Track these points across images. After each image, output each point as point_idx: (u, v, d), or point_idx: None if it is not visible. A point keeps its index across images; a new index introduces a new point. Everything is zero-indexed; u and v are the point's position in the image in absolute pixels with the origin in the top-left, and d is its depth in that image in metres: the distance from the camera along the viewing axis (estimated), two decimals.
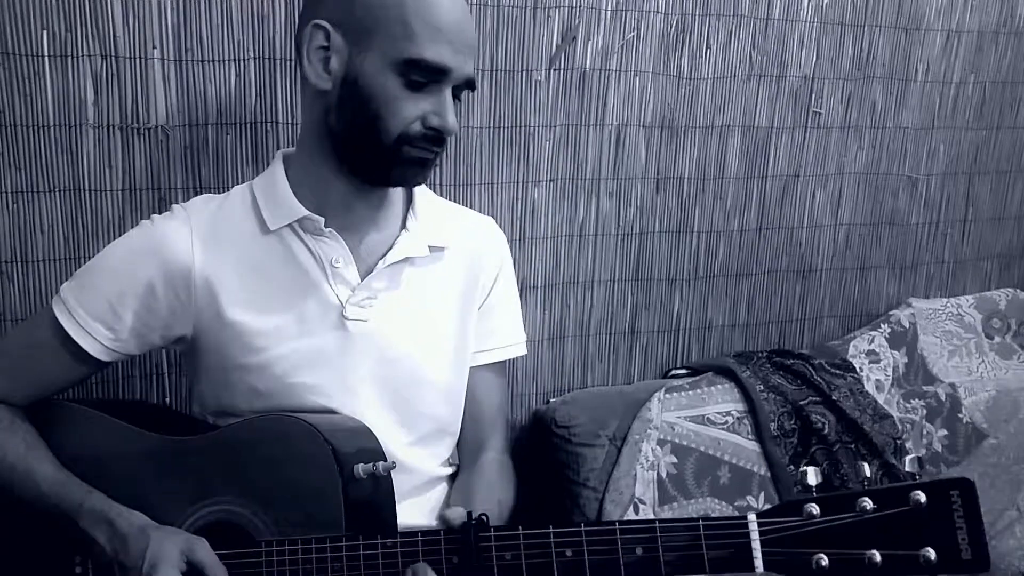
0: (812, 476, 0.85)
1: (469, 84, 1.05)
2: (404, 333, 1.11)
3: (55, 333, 1.06)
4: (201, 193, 1.32)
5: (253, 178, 1.14)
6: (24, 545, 1.06)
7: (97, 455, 1.06)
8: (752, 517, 0.84)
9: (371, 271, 1.09)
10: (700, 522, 0.85)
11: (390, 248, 1.11)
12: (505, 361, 1.24)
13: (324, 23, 1.01)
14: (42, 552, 1.05)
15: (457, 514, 0.93)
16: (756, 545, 0.84)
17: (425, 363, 1.13)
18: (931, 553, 0.78)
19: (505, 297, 1.23)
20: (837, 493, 0.83)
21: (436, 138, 1.03)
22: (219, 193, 1.15)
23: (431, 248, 1.13)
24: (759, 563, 0.83)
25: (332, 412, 1.08)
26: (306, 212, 1.06)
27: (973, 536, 0.78)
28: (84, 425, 1.09)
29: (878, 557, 0.80)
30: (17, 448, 1.04)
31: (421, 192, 1.15)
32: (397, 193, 1.14)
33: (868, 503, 0.81)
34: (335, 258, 1.08)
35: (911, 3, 1.75)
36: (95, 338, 1.06)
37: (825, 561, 0.81)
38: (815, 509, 0.82)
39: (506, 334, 1.24)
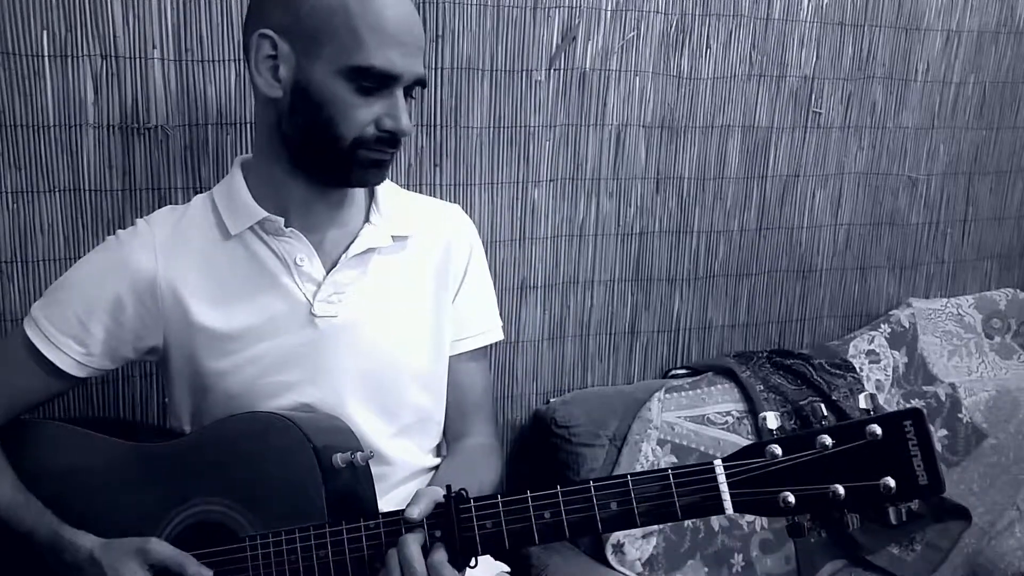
0: (772, 420, 0.88)
1: (420, 83, 1.05)
2: (376, 324, 1.11)
3: (27, 350, 1.07)
4: (201, 193, 1.32)
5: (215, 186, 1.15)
6: (15, 557, 1.07)
7: (73, 468, 1.07)
8: (718, 462, 0.87)
9: (335, 266, 1.10)
10: (670, 472, 0.88)
11: (353, 241, 1.11)
12: (486, 347, 1.24)
13: (270, 32, 1.01)
14: (31, 566, 1.05)
15: (424, 505, 0.93)
16: (724, 488, 0.86)
17: (400, 352, 1.13)
18: (891, 481, 0.81)
19: (478, 283, 1.23)
20: (797, 433, 0.86)
21: (390, 140, 1.04)
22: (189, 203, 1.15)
23: (394, 238, 1.13)
24: (728, 505, 0.86)
25: (307, 408, 1.08)
26: (265, 214, 1.07)
27: (927, 462, 0.81)
28: (59, 439, 1.09)
29: (841, 490, 0.82)
30: None
31: (384, 186, 1.15)
32: (359, 189, 1.14)
33: (827, 439, 0.83)
34: (298, 256, 1.08)
35: (911, 3, 1.75)
36: (66, 353, 1.07)
37: (791, 498, 0.84)
38: (777, 450, 0.85)
39: (482, 320, 1.23)
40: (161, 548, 0.96)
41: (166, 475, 1.03)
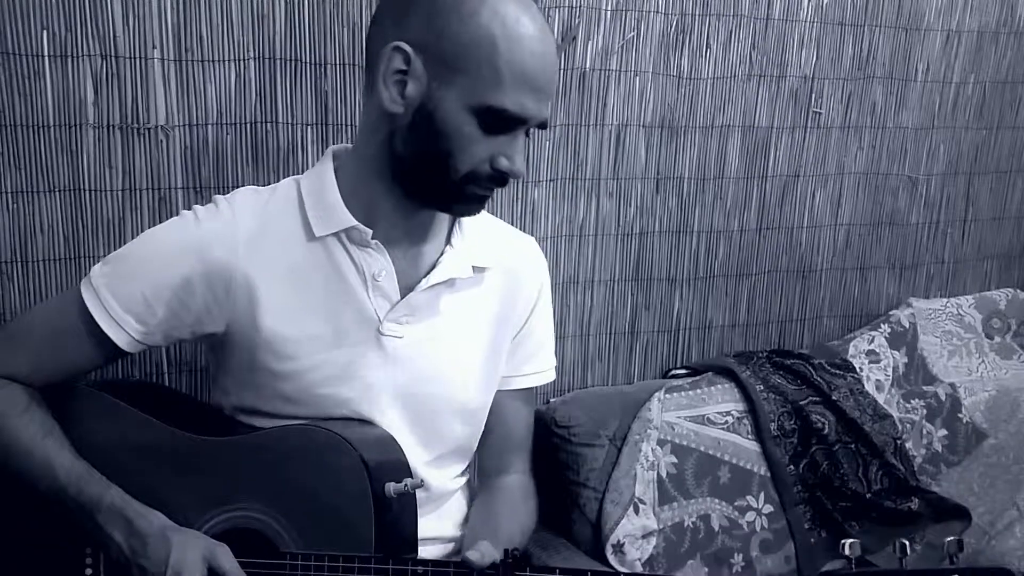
0: (850, 549, 0.85)
1: (542, 126, 1.03)
2: (437, 353, 1.09)
3: (84, 321, 1.03)
4: (201, 193, 1.32)
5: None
6: (34, 536, 1.05)
7: (116, 446, 1.04)
8: None
9: (412, 288, 1.07)
10: None
11: (434, 266, 1.08)
12: (535, 387, 1.23)
13: (406, 47, 0.96)
14: (53, 543, 1.04)
15: (487, 553, 0.93)
16: None
17: (454, 384, 1.11)
18: None
19: (542, 324, 1.21)
20: (878, 570, 0.84)
21: (501, 179, 1.01)
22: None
23: (474, 269, 1.11)
24: None
25: (357, 419, 1.07)
26: (355, 222, 1.03)
27: None
28: (105, 413, 1.06)
29: None
30: (34, 434, 1.01)
31: None
32: None
33: None
34: (378, 271, 1.05)
35: (911, 3, 1.75)
36: (125, 330, 1.03)
37: None
38: None
39: (540, 361, 1.22)
40: (228, 559, 0.94)
41: (209, 473, 1.02)
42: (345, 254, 1.05)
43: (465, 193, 1.01)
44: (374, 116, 1.02)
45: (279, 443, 1.02)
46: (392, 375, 1.07)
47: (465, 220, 1.11)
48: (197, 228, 1.04)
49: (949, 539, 0.82)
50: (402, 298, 1.07)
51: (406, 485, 0.97)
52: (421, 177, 1.01)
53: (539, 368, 1.22)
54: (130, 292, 1.02)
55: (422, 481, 1.00)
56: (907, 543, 0.85)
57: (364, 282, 1.05)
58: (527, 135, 1.02)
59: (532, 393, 1.24)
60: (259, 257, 1.03)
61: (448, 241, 1.10)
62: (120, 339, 1.03)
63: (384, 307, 1.06)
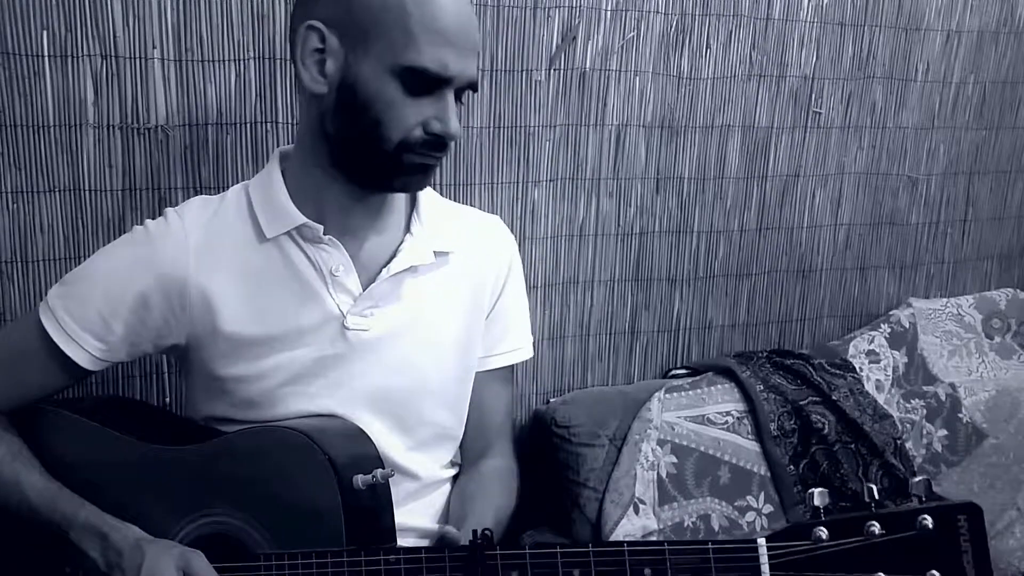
0: (818, 498, 0.85)
1: (471, 86, 1.02)
2: (406, 342, 1.09)
3: (42, 342, 1.04)
4: (200, 193, 1.32)
5: (252, 178, 1.13)
6: (12, 552, 1.05)
7: (84, 464, 1.05)
8: (761, 541, 0.85)
9: (373, 279, 1.07)
10: (710, 545, 0.86)
11: (394, 255, 1.08)
12: (513, 365, 1.22)
13: (319, 24, 0.97)
14: (31, 560, 1.04)
15: (457, 535, 0.93)
16: (765, 569, 0.84)
17: (428, 372, 1.11)
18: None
19: (514, 301, 1.20)
20: (845, 516, 0.84)
21: (437, 143, 1.00)
22: (217, 193, 1.14)
23: (436, 254, 1.10)
24: None
25: (324, 414, 1.07)
26: (304, 219, 1.03)
27: (978, 560, 0.80)
28: (71, 432, 1.07)
29: None
30: (2, 457, 1.02)
31: (425, 192, 1.13)
32: (400, 195, 1.11)
33: (876, 527, 0.82)
34: (335, 266, 1.05)
35: (911, 3, 1.75)
36: (84, 348, 1.03)
37: None
38: (823, 533, 0.83)
39: (515, 338, 1.21)
40: (203, 565, 0.94)
41: (179, 483, 1.02)
42: (300, 252, 1.05)
43: (403, 164, 1.00)
44: (305, 105, 1.03)
45: (243, 446, 1.01)
46: (361, 368, 1.07)
47: (424, 206, 1.11)
48: (148, 243, 1.04)
49: (917, 479, 0.84)
50: (364, 290, 1.06)
51: (375, 476, 0.97)
52: (356, 155, 1.01)
53: (513, 346, 1.21)
54: (86, 311, 1.03)
55: (393, 472, 0.99)
56: (873, 487, 0.86)
57: (322, 279, 1.05)
58: (459, 99, 1.02)
59: (510, 373, 1.23)
60: (211, 266, 1.04)
61: (407, 229, 1.10)
62: (80, 358, 1.04)
63: (347, 302, 1.06)
